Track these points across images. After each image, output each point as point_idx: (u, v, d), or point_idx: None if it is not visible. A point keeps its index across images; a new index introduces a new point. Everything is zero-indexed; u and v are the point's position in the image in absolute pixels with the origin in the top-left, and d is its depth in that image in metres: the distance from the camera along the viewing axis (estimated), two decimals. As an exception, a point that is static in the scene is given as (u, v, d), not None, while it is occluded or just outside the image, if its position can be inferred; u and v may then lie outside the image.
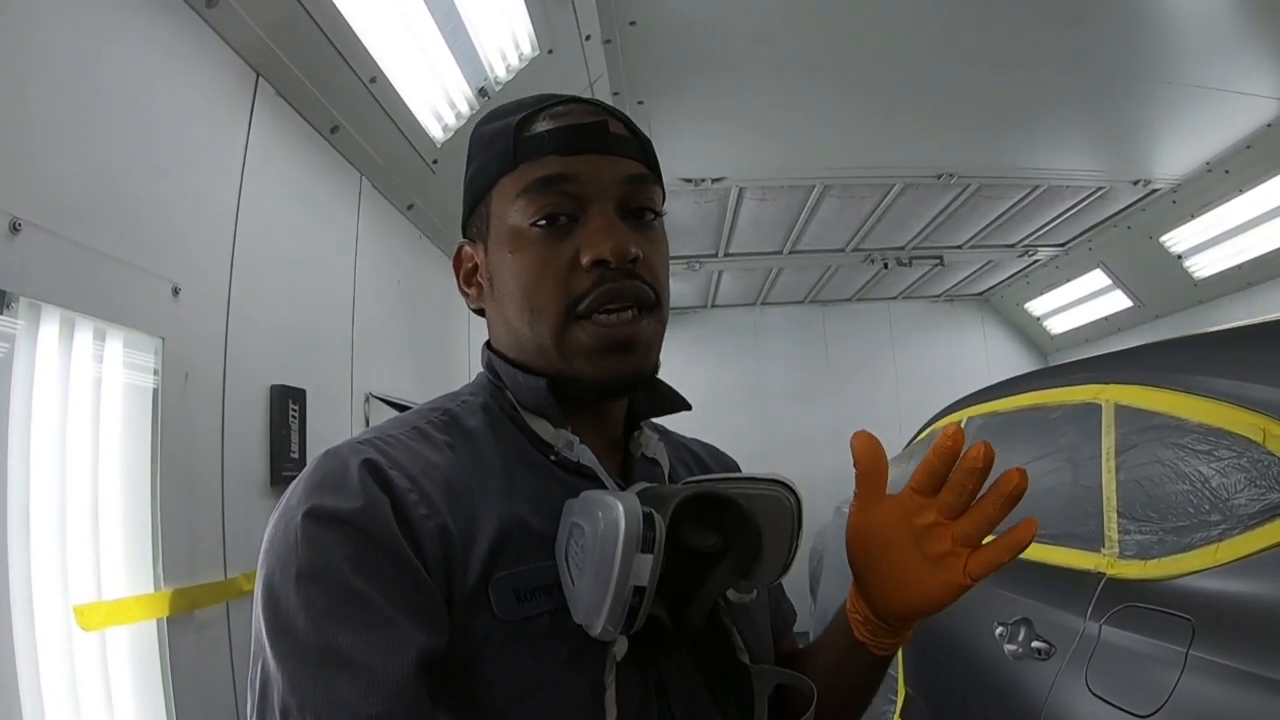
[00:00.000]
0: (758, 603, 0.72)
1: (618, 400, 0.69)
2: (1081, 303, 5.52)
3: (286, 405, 1.77)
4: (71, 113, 1.25)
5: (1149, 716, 1.14)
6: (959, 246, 4.82)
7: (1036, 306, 5.92)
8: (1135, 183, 4.01)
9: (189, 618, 1.42)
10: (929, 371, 5.81)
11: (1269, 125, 3.46)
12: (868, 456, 0.61)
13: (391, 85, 2.08)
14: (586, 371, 0.62)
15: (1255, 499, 1.13)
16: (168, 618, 1.36)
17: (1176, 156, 3.81)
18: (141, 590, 1.34)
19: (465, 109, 2.47)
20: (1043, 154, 3.67)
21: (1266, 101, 3.27)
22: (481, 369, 0.71)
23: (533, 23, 2.30)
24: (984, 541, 0.58)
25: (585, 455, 0.63)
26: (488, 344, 0.71)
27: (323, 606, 0.49)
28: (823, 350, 5.98)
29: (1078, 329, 5.71)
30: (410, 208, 2.61)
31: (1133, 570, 1.35)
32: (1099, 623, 1.35)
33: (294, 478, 1.60)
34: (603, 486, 0.62)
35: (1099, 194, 4.13)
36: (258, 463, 1.71)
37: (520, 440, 0.64)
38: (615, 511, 0.51)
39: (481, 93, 2.45)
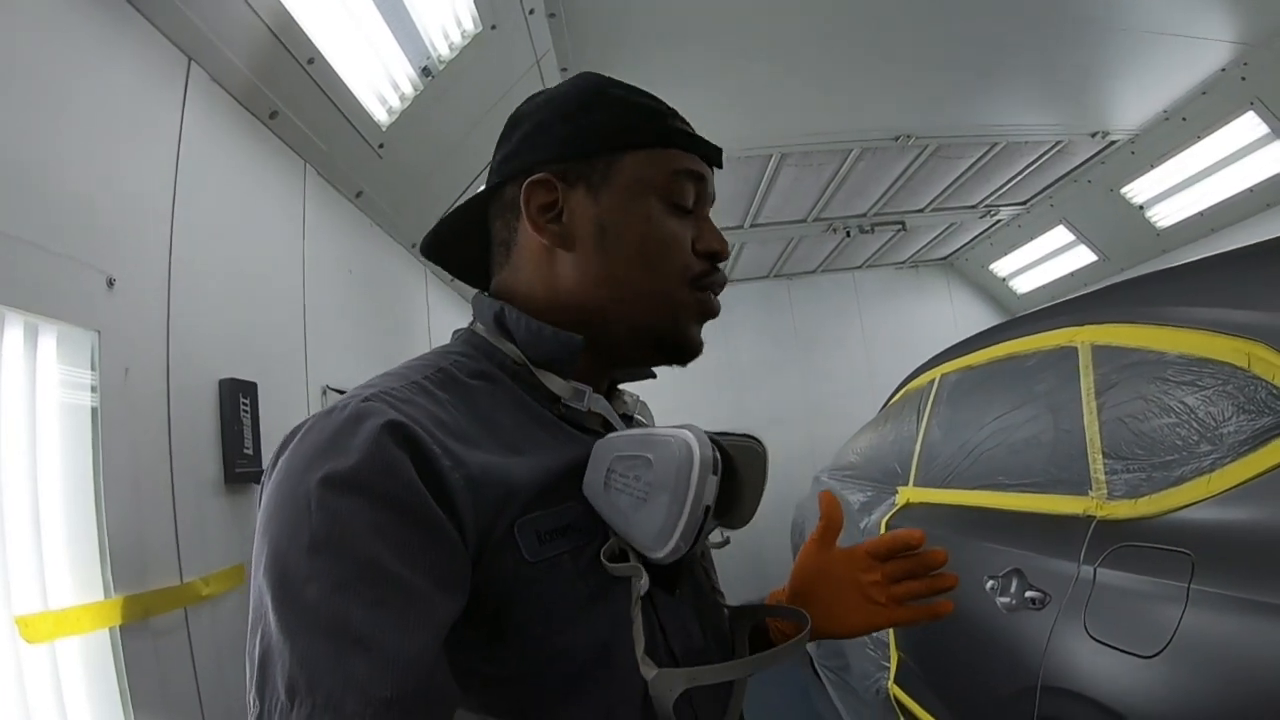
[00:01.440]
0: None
1: (660, 364, 0.75)
2: (1046, 260, 5.57)
3: (237, 399, 1.70)
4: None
5: (1154, 656, 1.12)
6: (920, 210, 4.82)
7: (1001, 267, 5.97)
8: (1093, 135, 4.02)
9: (143, 625, 1.34)
10: (897, 339, 5.84)
11: (1223, 70, 3.48)
12: (832, 513, 0.79)
13: (331, 67, 1.99)
14: (690, 332, 0.71)
15: (1245, 425, 1.13)
16: (121, 626, 1.29)
17: (1133, 106, 3.83)
18: (90, 598, 1.26)
19: (409, 90, 2.40)
20: (999, 110, 3.66)
21: (1220, 45, 3.28)
22: (461, 328, 0.73)
23: (474, -3, 2.23)
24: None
25: (599, 403, 0.68)
26: (492, 294, 0.73)
27: (338, 578, 0.47)
28: (790, 324, 5.99)
29: (1043, 287, 5.77)
30: (359, 195, 2.52)
31: (1123, 510, 1.33)
32: (1093, 566, 1.34)
33: (247, 474, 1.53)
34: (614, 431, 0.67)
35: (1058, 148, 4.14)
36: (209, 461, 1.63)
37: (521, 395, 0.66)
38: (688, 438, 0.57)
39: (425, 72, 2.38)
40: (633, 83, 0.74)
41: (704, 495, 0.56)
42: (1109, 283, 1.65)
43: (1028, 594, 1.48)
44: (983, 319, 6.05)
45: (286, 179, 2.12)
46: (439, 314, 3.40)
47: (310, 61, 1.93)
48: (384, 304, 2.84)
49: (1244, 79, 3.51)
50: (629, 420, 0.76)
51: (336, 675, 0.44)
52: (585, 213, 0.68)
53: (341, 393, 2.18)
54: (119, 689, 1.28)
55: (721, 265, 0.73)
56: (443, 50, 2.37)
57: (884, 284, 6.19)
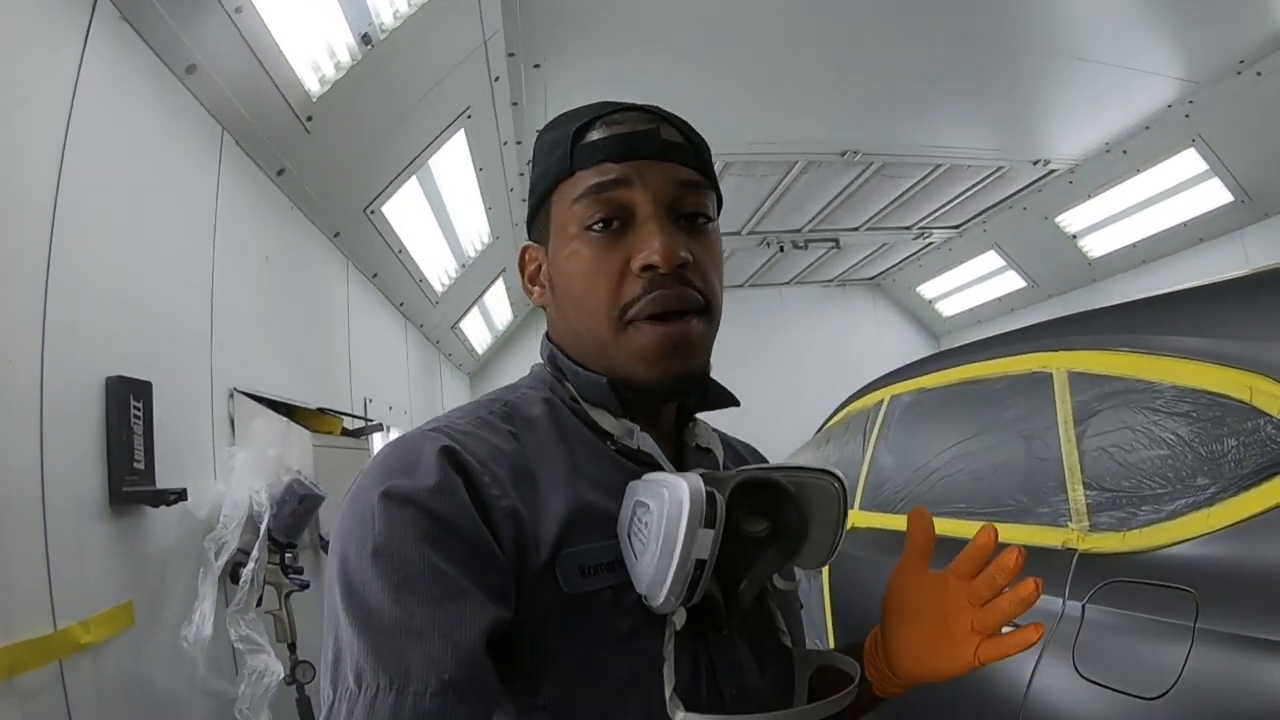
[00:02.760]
0: (796, 594, 0.78)
1: (673, 401, 0.72)
2: (974, 284, 5.75)
3: (127, 401, 1.40)
4: None
5: (1158, 698, 1.07)
6: (856, 229, 4.89)
7: (929, 289, 6.14)
8: (1035, 163, 4.16)
9: (8, 686, 1.07)
10: (822, 356, 5.92)
11: (1169, 106, 3.66)
12: (924, 532, 0.69)
13: (260, 18, 1.73)
14: (640, 373, 0.64)
15: (1248, 459, 1.10)
16: (-30, 691, 1.01)
17: (1077, 137, 3.96)
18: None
19: (346, 58, 2.15)
20: (946, 132, 3.72)
21: (1168, 81, 3.44)
22: (540, 361, 0.74)
23: (425, -41, 2.01)
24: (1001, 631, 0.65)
25: (645, 442, 0.65)
26: (548, 336, 0.74)
27: (397, 580, 0.51)
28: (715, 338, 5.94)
29: (970, 310, 5.97)
30: (281, 173, 2.23)
31: (1109, 544, 1.30)
32: (1081, 602, 1.29)
33: (138, 493, 1.26)
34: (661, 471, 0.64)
35: (998, 174, 4.27)
36: (90, 477, 1.33)
37: (581, 429, 0.68)
38: (681, 489, 0.55)
39: (365, 39, 2.13)
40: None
41: (693, 550, 0.54)
42: (1036, 307, 1.62)
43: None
44: (909, 339, 6.24)
45: (200, 145, 1.83)
46: (359, 313, 3.11)
47: (238, 10, 1.66)
48: (302, 297, 2.53)
49: (1188, 116, 3.71)
50: (704, 452, 0.74)
51: (399, 663, 0.49)
52: (547, 268, 0.71)
53: (251, 396, 1.91)
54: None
55: (682, 268, 0.63)
56: (386, 17, 2.14)
57: (811, 301, 6.27)
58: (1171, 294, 1.48)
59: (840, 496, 0.64)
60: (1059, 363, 1.56)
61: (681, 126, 0.69)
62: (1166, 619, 1.12)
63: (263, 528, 1.55)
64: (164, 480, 1.48)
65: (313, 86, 2.08)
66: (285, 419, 1.90)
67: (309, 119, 2.14)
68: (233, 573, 1.56)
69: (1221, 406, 1.17)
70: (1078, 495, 1.40)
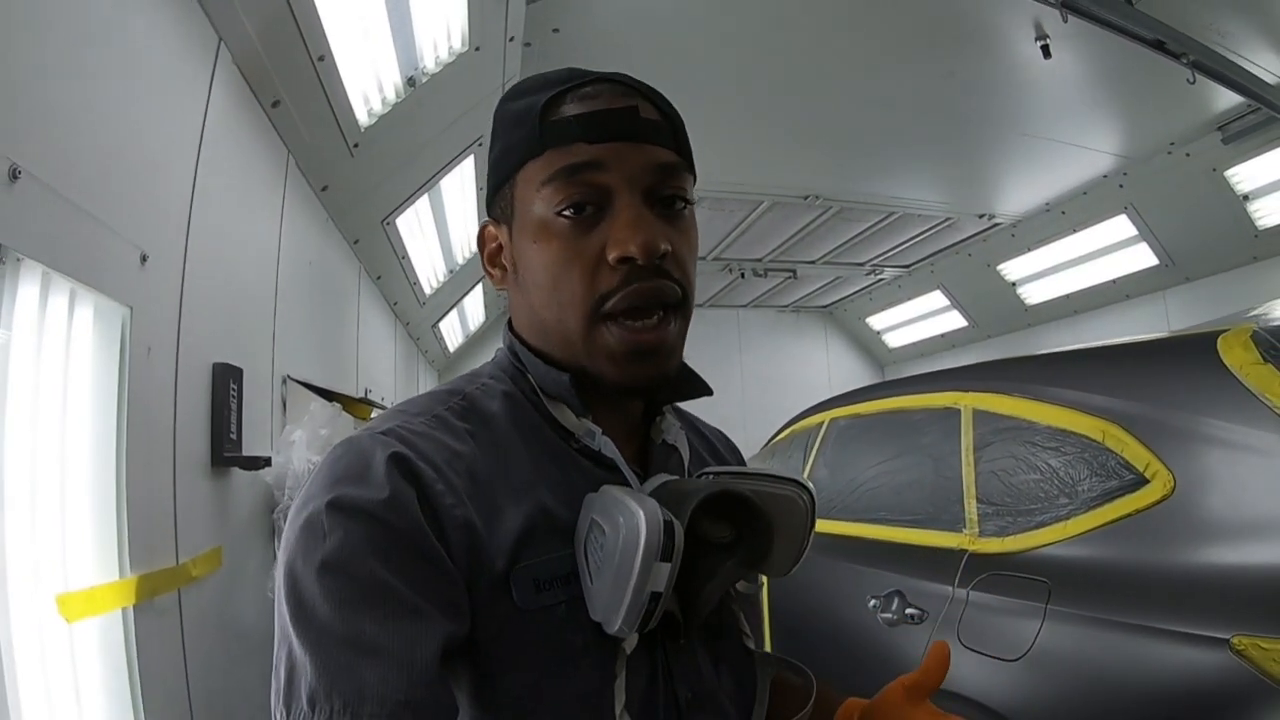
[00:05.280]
0: (758, 596, 0.75)
1: (640, 399, 0.69)
2: (920, 320, 6.08)
3: (228, 384, 1.70)
4: (60, 57, 1.16)
5: (1017, 660, 1.39)
6: (813, 262, 5.27)
7: (877, 321, 6.47)
8: (980, 216, 4.55)
9: (149, 605, 1.35)
10: (774, 376, 6.22)
11: (1105, 176, 4.08)
12: (939, 666, 0.61)
13: (335, 66, 2.04)
14: (610, 373, 0.61)
15: (1096, 485, 1.41)
16: (135, 606, 1.30)
17: (1020, 196, 4.34)
18: (109, 577, 1.27)
19: (392, 96, 2.45)
20: (900, 184, 4.09)
21: (1104, 156, 3.85)
22: (502, 347, 0.70)
23: (469, 17, 2.34)
24: None
25: (607, 447, 0.62)
26: (509, 325, 0.70)
27: (346, 596, 0.49)
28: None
29: (915, 344, 6.29)
30: (324, 189, 2.53)
31: (992, 546, 1.59)
32: (966, 589, 1.58)
33: (233, 459, 1.58)
34: (623, 478, 0.62)
35: (946, 223, 4.64)
36: (200, 444, 1.63)
37: (542, 427, 0.64)
38: (637, 519, 0.51)
39: (410, 82, 2.44)
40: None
41: (647, 583, 0.51)
42: (975, 346, 1.96)
43: (907, 611, 1.73)
44: (856, 366, 6.57)
45: (272, 167, 2.13)
46: (368, 313, 3.39)
47: (321, 59, 1.97)
48: (329, 298, 2.83)
49: (1122, 186, 4.13)
50: (671, 450, 0.70)
51: (353, 682, 0.47)
52: (509, 252, 0.66)
53: (300, 383, 2.20)
54: (128, 668, 1.29)
55: (661, 259, 0.60)
56: (429, 63, 2.45)
57: (766, 325, 6.58)
58: (1057, 353, 1.81)
59: (809, 509, 0.62)
60: (967, 401, 1.82)
61: (658, 101, 0.64)
62: (1026, 601, 1.41)
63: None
64: (246, 450, 1.79)
65: (363, 119, 2.38)
66: (337, 405, 2.19)
67: (355, 145, 2.44)
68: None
69: (1081, 444, 1.45)
70: (971, 508, 1.67)
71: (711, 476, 0.68)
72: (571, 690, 0.55)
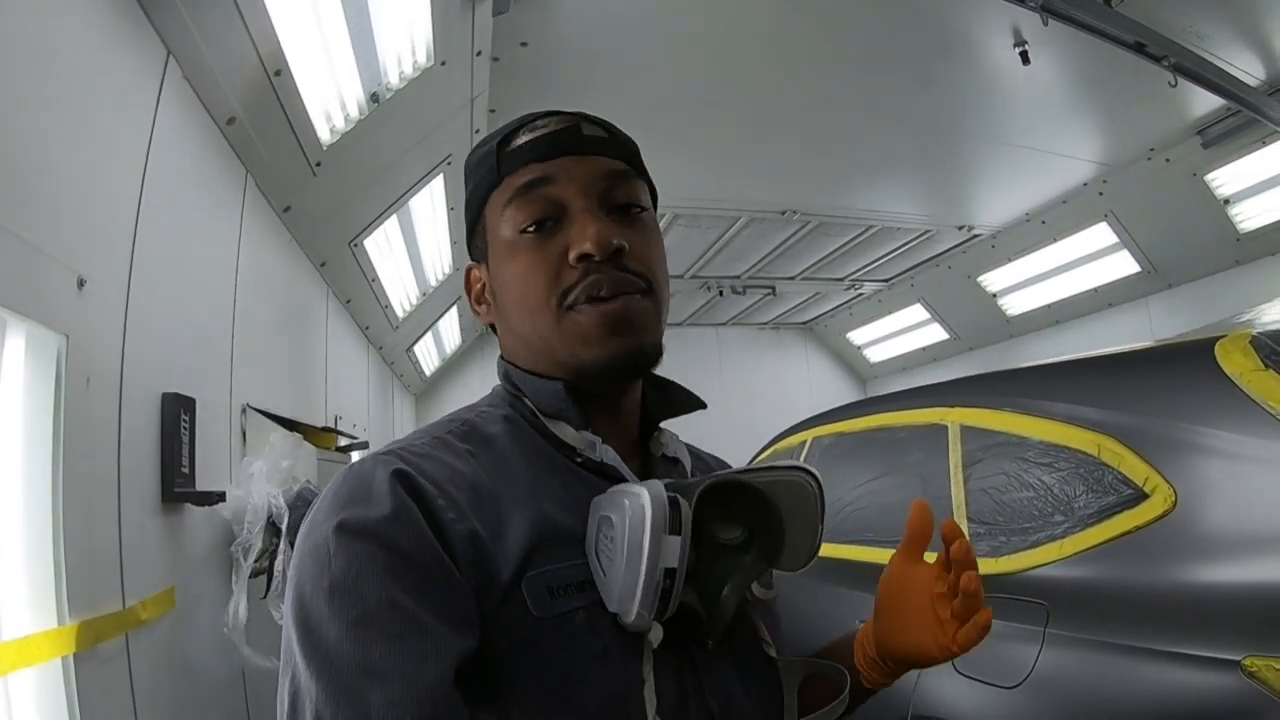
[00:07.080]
0: (778, 604, 0.76)
1: (630, 384, 0.70)
2: (901, 334, 6.08)
3: (178, 415, 1.61)
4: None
5: (1015, 687, 1.33)
6: (792, 278, 5.26)
7: (858, 336, 6.46)
8: (959, 228, 4.54)
9: (92, 653, 1.26)
10: (755, 394, 6.18)
11: (1085, 185, 4.08)
12: (921, 523, 0.67)
13: (294, 82, 1.97)
14: (588, 356, 0.63)
15: (1093, 502, 1.35)
16: (75, 654, 1.20)
17: (999, 207, 4.34)
18: (46, 625, 1.17)
19: (355, 112, 2.39)
20: (878, 197, 4.08)
21: (1084, 164, 3.85)
22: (498, 382, 0.72)
23: (434, 32, 2.28)
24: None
25: (608, 454, 0.64)
26: (502, 357, 0.73)
27: (355, 617, 0.49)
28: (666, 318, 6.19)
29: (896, 358, 6.29)
30: (287, 210, 2.45)
31: (985, 567, 1.45)
32: None
33: (185, 494, 1.48)
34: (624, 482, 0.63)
35: (926, 236, 4.64)
36: (149, 478, 1.54)
37: (543, 445, 0.66)
38: (641, 498, 0.54)
39: (373, 98, 2.38)
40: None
41: (659, 558, 0.53)
42: (957, 359, 1.91)
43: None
44: (837, 382, 6.55)
45: (228, 187, 2.05)
46: (334, 337, 3.29)
47: (278, 73, 1.90)
48: (294, 323, 2.73)
49: (1101, 194, 4.14)
50: (671, 462, 0.72)
51: (359, 706, 0.47)
52: (490, 286, 0.70)
53: (261, 412, 2.11)
54: (68, 722, 1.19)
55: (618, 254, 0.63)
56: (394, 79, 2.39)
57: (746, 342, 6.56)
58: (1044, 365, 1.75)
59: (816, 492, 0.62)
60: (954, 417, 1.78)
61: (604, 124, 0.69)
62: (1024, 625, 1.34)
63: (284, 526, 1.75)
64: (200, 484, 1.69)
65: (324, 136, 2.31)
66: (298, 435, 2.10)
67: (318, 164, 2.36)
68: (269, 565, 1.77)
69: (1075, 459, 1.40)
70: (962, 527, 1.62)
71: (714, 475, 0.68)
72: (596, 698, 0.54)
